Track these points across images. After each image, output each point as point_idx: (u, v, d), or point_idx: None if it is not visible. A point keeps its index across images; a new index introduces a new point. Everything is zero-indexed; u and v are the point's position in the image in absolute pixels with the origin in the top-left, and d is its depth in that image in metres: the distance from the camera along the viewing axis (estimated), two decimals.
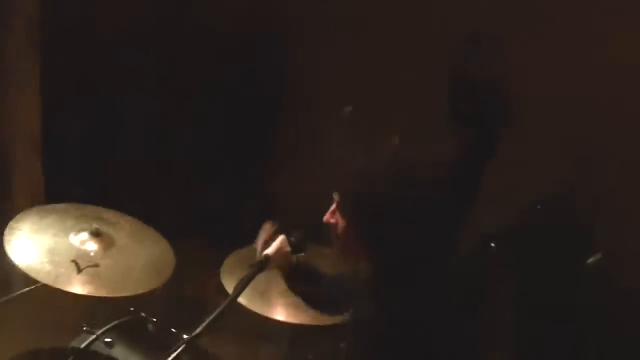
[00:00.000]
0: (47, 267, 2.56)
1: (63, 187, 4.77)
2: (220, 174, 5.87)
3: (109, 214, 2.86)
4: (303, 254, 2.28)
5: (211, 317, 1.85)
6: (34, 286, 2.64)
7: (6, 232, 2.65)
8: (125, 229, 2.86)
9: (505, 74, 3.05)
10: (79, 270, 2.56)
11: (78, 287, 2.53)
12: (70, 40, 5.06)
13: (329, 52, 5.07)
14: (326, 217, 2.00)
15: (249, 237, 2.50)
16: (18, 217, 2.76)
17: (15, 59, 4.76)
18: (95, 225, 2.73)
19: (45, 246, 2.65)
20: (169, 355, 1.74)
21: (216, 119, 5.79)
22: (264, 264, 2.13)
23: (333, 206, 1.99)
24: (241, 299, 2.47)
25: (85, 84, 5.31)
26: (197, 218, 5.57)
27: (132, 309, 3.11)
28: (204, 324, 1.83)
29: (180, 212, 5.48)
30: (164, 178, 5.61)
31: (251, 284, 2.08)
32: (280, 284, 2.48)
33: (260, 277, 2.17)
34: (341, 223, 1.96)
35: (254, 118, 5.72)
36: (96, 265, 2.61)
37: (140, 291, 2.66)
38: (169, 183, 5.67)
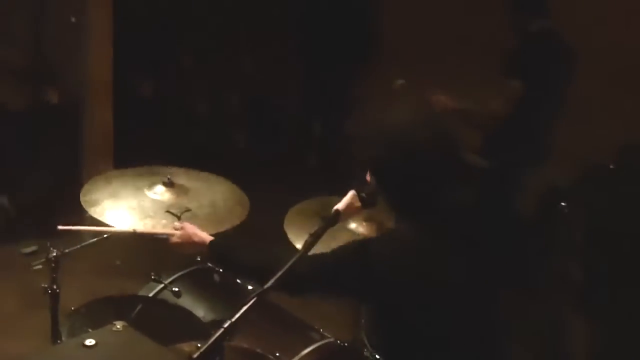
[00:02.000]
0: (150, 222, 2.61)
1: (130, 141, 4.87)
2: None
3: (167, 169, 2.88)
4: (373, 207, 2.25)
5: (281, 272, 1.82)
6: (104, 235, 2.66)
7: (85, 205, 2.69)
8: (192, 178, 2.88)
9: None
10: (179, 217, 2.58)
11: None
12: None
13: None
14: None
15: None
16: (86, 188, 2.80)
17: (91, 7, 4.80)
18: (167, 176, 2.75)
19: (132, 206, 2.69)
20: (240, 309, 1.72)
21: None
22: (334, 218, 2.10)
23: None
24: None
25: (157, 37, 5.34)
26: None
27: (198, 258, 3.14)
28: (273, 279, 1.80)
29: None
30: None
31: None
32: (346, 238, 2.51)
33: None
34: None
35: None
36: (189, 210, 2.65)
37: (234, 224, 2.69)
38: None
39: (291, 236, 2.68)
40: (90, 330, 2.17)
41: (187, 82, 5.73)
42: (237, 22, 5.84)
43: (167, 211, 2.64)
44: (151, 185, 2.76)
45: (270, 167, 5.66)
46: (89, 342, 1.85)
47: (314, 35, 5.83)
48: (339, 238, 2.53)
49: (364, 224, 2.78)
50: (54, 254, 2.60)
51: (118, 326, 1.95)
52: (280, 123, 6.16)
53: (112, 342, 1.89)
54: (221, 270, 3.06)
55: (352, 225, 2.78)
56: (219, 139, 5.86)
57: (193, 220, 2.58)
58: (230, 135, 6.08)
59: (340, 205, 2.13)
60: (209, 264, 3.12)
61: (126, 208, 2.69)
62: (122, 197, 2.73)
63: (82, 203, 2.71)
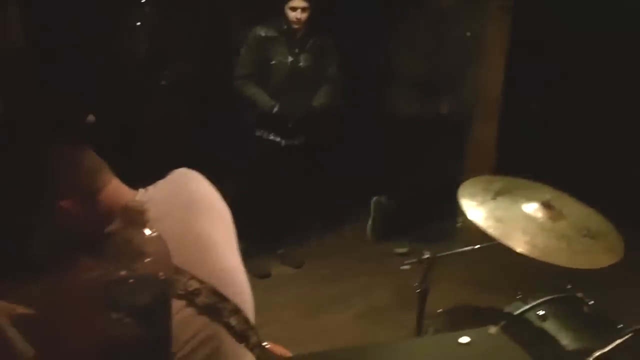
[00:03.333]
0: (502, 225, 2.60)
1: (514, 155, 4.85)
2: None
3: (557, 194, 2.78)
4: None
5: None
6: (486, 244, 2.69)
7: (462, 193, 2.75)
8: (573, 209, 2.76)
9: None
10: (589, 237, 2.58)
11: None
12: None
13: None
14: None
15: None
16: (472, 181, 2.84)
17: (489, 21, 4.90)
18: (547, 197, 2.68)
19: (497, 209, 2.69)
20: (607, 343, 1.61)
21: None
22: None
23: None
24: None
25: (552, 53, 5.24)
26: None
27: (569, 286, 3.02)
28: None
29: None
30: None
31: None
32: None
33: None
34: None
35: None
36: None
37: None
38: None
39: None
40: None
41: (579, 103, 5.52)
42: None
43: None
44: (529, 200, 2.71)
45: None
46: (464, 339, 1.89)
47: None
48: None
49: None
50: (427, 256, 2.71)
51: (492, 330, 1.96)
52: None
53: (486, 344, 1.91)
54: (592, 302, 2.92)
55: None
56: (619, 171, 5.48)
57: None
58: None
59: None
60: (579, 294, 2.98)
61: (495, 215, 2.67)
62: (497, 204, 2.72)
63: (460, 199, 2.73)
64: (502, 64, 4.97)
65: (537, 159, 4.78)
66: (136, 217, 1.23)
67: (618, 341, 1.62)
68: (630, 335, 1.63)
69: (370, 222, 5.39)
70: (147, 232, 1.23)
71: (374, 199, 5.37)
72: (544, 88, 5.53)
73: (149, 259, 1.21)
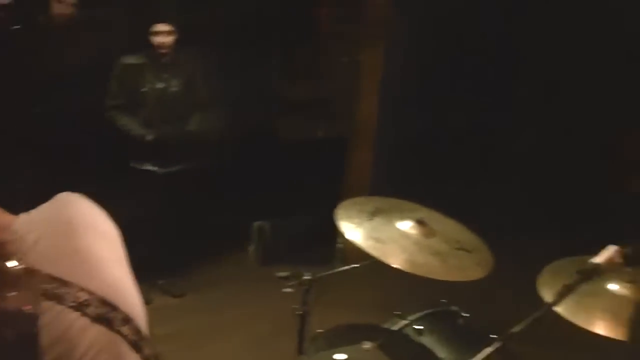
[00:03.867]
0: (381, 245, 2.67)
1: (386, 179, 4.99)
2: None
3: (428, 212, 2.89)
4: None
5: (526, 321, 1.76)
6: (366, 262, 2.75)
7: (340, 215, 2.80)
8: (444, 225, 2.87)
9: None
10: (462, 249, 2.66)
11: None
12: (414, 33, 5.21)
13: None
14: None
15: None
16: (347, 203, 2.91)
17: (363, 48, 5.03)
18: (420, 215, 2.78)
19: (374, 229, 2.76)
20: (479, 353, 1.68)
21: None
22: (593, 272, 1.98)
23: None
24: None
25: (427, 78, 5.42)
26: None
27: (444, 300, 3.12)
28: (518, 327, 1.74)
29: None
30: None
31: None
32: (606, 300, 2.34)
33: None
34: None
35: None
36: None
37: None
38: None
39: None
40: None
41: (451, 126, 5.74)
42: None
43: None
44: (402, 219, 2.79)
45: None
46: (340, 356, 1.91)
47: None
48: (597, 298, 2.40)
49: (628, 285, 2.57)
50: (306, 278, 2.74)
51: (367, 346, 2.00)
52: None
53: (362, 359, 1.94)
54: (467, 314, 3.03)
55: (613, 287, 2.56)
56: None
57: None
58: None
59: (599, 259, 2.00)
60: (454, 307, 3.09)
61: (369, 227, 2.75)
62: (373, 224, 2.78)
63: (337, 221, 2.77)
64: (376, 88, 5.11)
65: (410, 180, 4.93)
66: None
67: (485, 352, 1.69)
68: (496, 345, 1.70)
69: (252, 247, 5.38)
70: (12, 264, 1.19)
71: (255, 224, 5.36)
72: (420, 112, 5.71)
73: (13, 293, 1.16)
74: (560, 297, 1.88)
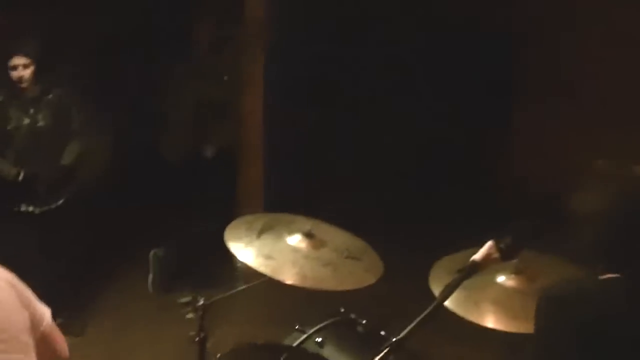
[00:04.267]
0: (271, 262, 2.71)
1: (279, 192, 5.02)
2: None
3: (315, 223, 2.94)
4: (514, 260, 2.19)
5: (416, 320, 1.82)
6: (258, 281, 2.77)
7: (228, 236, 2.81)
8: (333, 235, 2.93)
9: None
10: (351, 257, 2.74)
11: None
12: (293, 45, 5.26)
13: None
14: None
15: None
16: (235, 223, 2.92)
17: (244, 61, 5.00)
18: (308, 227, 2.81)
19: (264, 246, 2.78)
20: (376, 356, 1.73)
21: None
22: (471, 270, 2.06)
23: None
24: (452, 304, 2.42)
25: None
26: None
27: (342, 310, 3.16)
28: (409, 327, 1.80)
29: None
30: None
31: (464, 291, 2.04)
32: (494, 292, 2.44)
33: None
34: None
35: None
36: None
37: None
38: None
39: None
40: None
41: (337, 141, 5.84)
42: None
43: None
44: (292, 232, 2.83)
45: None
46: None
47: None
48: (487, 291, 2.50)
49: (513, 276, 2.68)
50: (201, 303, 2.73)
51: None
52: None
53: None
54: (365, 321, 3.08)
55: (501, 279, 2.67)
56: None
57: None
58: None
59: (477, 256, 2.09)
60: (352, 315, 3.14)
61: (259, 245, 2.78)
62: (262, 241, 2.81)
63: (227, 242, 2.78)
64: (259, 107, 5.13)
65: (301, 195, 4.98)
66: None
67: (379, 356, 1.73)
68: (387, 349, 1.75)
69: (150, 276, 5.28)
70: None
71: (152, 252, 5.27)
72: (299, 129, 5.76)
73: None
74: (443, 296, 1.95)
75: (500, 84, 5.75)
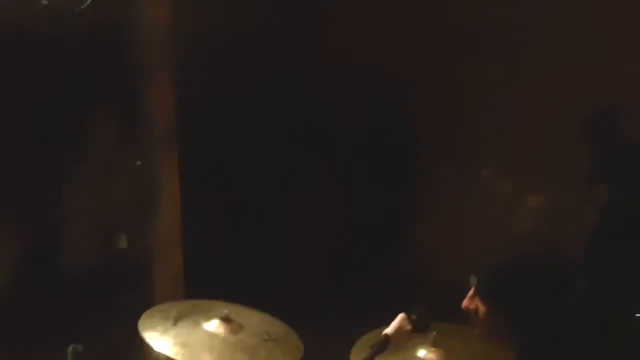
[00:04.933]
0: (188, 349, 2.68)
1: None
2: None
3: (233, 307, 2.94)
4: (427, 332, 2.22)
5: None
6: None
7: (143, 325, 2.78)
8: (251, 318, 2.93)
9: None
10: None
11: None
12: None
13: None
14: (465, 303, 1.95)
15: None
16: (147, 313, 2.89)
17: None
18: (225, 311, 2.81)
19: (180, 334, 2.75)
20: None
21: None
22: (384, 344, 2.09)
23: (471, 291, 1.94)
24: None
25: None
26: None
27: None
28: None
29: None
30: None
31: None
32: None
33: None
34: (482, 308, 1.91)
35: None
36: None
37: None
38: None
39: None
40: None
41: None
42: None
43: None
44: (209, 318, 2.81)
45: None
46: None
47: None
48: None
49: (432, 349, 2.73)
50: None
51: None
52: None
53: None
54: None
55: (421, 353, 2.72)
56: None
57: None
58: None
59: (389, 330, 2.11)
60: None
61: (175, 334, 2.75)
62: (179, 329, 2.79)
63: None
64: (177, 197, 5.11)
65: (223, 282, 4.93)
66: None
67: None
68: None
69: None
70: None
71: (70, 347, 5.08)
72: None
73: None
74: None
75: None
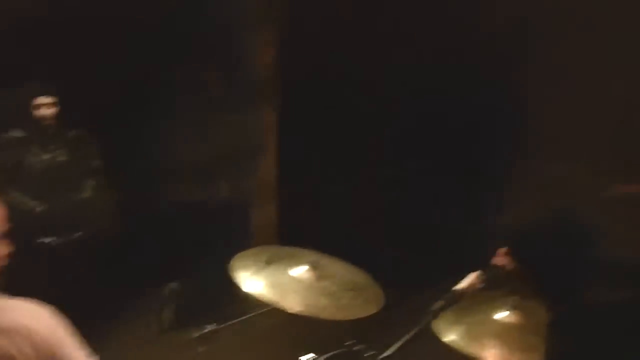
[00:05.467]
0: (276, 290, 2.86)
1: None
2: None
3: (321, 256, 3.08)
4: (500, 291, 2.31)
5: (399, 343, 1.95)
6: (262, 310, 2.89)
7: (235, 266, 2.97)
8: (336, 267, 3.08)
9: None
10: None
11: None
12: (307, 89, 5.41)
13: None
14: (496, 260, 2.04)
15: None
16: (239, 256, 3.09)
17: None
18: (314, 259, 2.96)
19: (269, 277, 2.94)
20: None
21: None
22: (454, 298, 2.19)
23: (504, 249, 2.03)
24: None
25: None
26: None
27: (348, 342, 3.26)
28: (392, 348, 1.93)
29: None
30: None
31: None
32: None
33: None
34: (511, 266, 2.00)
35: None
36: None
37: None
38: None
39: None
40: None
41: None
42: None
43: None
44: (296, 264, 2.97)
45: None
46: None
47: None
48: (486, 328, 2.61)
49: (512, 312, 2.71)
50: (209, 329, 2.87)
51: None
52: None
53: None
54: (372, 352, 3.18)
55: (499, 315, 2.72)
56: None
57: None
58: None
59: (461, 286, 2.21)
60: (358, 347, 3.22)
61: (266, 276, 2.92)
62: (269, 271, 2.97)
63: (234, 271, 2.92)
64: (275, 148, 5.29)
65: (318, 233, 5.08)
66: None
67: None
68: None
69: (165, 311, 5.34)
70: None
71: (167, 286, 5.34)
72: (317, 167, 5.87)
73: None
74: (426, 323, 2.07)
75: None
